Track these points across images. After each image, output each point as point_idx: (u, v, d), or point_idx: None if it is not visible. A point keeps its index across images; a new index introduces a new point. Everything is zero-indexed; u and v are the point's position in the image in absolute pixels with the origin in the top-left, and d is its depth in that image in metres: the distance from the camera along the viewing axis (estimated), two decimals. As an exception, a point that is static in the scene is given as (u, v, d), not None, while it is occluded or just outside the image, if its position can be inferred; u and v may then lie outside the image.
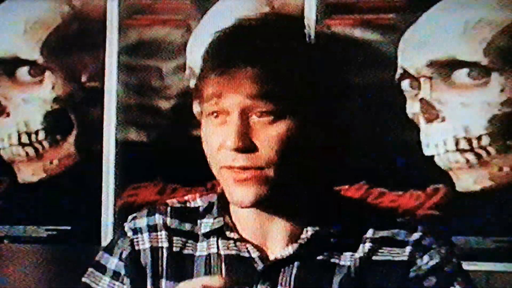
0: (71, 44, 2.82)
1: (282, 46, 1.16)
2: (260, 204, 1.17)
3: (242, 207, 1.18)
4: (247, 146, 1.15)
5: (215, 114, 1.17)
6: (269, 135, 1.15)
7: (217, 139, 1.17)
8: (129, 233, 1.27)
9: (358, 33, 2.57)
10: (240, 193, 1.16)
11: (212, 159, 1.19)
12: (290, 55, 1.16)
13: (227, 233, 1.23)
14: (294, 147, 1.16)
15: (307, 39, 1.20)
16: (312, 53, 1.19)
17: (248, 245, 1.21)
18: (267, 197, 1.16)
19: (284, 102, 1.15)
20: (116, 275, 1.26)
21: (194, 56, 2.70)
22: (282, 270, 1.20)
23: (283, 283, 1.19)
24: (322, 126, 1.19)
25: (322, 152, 1.20)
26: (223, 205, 1.25)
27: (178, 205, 1.29)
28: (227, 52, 1.16)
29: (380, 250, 1.21)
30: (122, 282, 1.25)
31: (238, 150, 1.15)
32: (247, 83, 1.14)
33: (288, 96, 1.15)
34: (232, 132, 1.15)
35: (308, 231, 1.20)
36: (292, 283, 1.19)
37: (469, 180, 2.48)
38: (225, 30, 1.20)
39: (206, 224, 1.25)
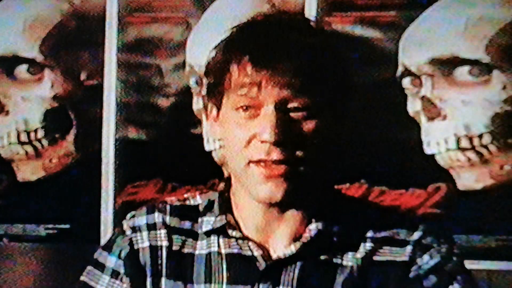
0: (70, 42, 2.82)
1: (310, 42, 1.18)
2: (285, 201, 1.17)
3: (268, 203, 1.18)
4: (284, 139, 1.14)
5: (245, 107, 1.17)
6: (303, 130, 1.16)
7: (246, 133, 1.17)
8: (128, 232, 1.27)
9: (358, 30, 2.56)
10: (270, 189, 1.16)
11: (236, 154, 1.18)
12: (315, 51, 1.18)
13: (229, 231, 1.22)
14: (322, 144, 1.17)
15: (320, 36, 1.21)
16: (324, 49, 1.20)
17: (250, 243, 1.21)
18: (294, 195, 1.16)
19: (316, 99, 1.16)
20: (115, 274, 1.26)
21: (194, 53, 2.70)
22: (285, 269, 1.20)
23: (285, 283, 1.19)
24: (340, 124, 1.20)
25: (327, 146, 1.20)
26: (225, 203, 1.24)
27: (178, 203, 1.28)
28: (265, 45, 1.16)
29: (381, 250, 1.20)
30: (121, 281, 1.25)
31: (275, 143, 1.14)
32: (286, 77, 1.14)
33: (319, 93, 1.16)
34: (269, 124, 1.15)
35: (311, 230, 1.20)
36: (294, 282, 1.19)
37: (470, 179, 2.47)
38: (249, 24, 1.20)
39: (207, 222, 1.25)
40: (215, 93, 1.21)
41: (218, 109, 1.22)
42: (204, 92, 1.25)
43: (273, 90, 1.15)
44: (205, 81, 1.24)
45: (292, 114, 1.16)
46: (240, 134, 1.17)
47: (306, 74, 1.16)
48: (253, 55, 1.16)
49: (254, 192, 1.18)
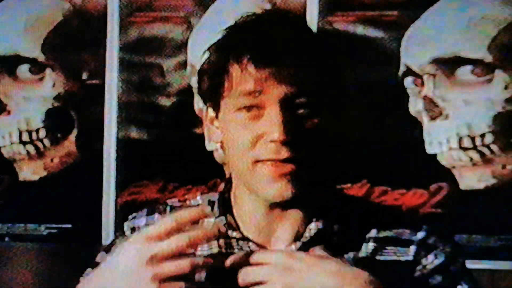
0: (72, 42, 2.82)
1: (310, 41, 1.18)
2: (292, 200, 1.17)
3: (277, 202, 1.17)
4: (292, 138, 1.14)
5: (247, 108, 1.16)
6: (306, 127, 1.16)
7: (252, 134, 1.16)
8: (128, 232, 1.27)
9: (360, 30, 2.55)
10: (279, 188, 1.16)
11: (242, 155, 1.17)
12: (316, 50, 1.18)
13: (229, 232, 1.22)
14: (325, 142, 1.17)
15: (318, 35, 1.22)
16: (325, 49, 1.20)
17: (251, 244, 1.21)
18: (298, 193, 1.16)
19: (318, 96, 1.16)
20: None
21: (195, 53, 2.70)
22: None
23: None
24: (340, 122, 1.20)
25: (328, 146, 1.20)
26: (225, 204, 1.24)
27: (178, 204, 1.28)
28: (264, 43, 1.16)
29: (384, 250, 1.20)
30: None
31: (284, 142, 1.14)
32: (289, 74, 1.14)
33: (320, 90, 1.16)
34: (276, 124, 1.14)
35: (311, 230, 1.20)
36: None
37: (472, 178, 2.47)
38: (245, 23, 1.20)
39: (208, 223, 1.24)
40: (212, 96, 1.20)
41: (216, 111, 1.21)
42: (198, 96, 1.24)
43: (277, 88, 1.15)
44: (195, 84, 1.23)
45: (296, 111, 1.16)
46: (245, 135, 1.17)
47: (307, 71, 1.15)
48: (254, 53, 1.16)
49: (263, 191, 1.18)
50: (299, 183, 1.16)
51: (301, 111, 1.16)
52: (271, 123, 1.15)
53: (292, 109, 1.16)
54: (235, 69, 1.17)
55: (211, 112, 1.23)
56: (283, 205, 1.19)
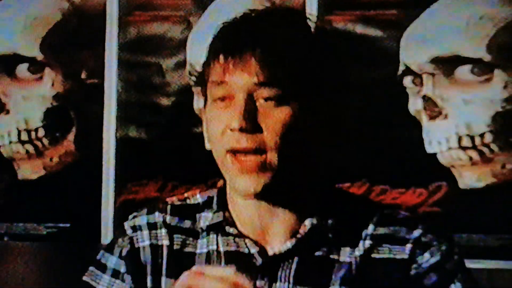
0: (71, 41, 2.81)
1: (286, 34, 1.18)
2: (263, 194, 1.17)
3: (246, 197, 1.18)
4: (252, 126, 1.15)
5: (220, 98, 1.17)
6: (273, 118, 1.16)
7: (222, 123, 1.17)
8: (129, 231, 1.27)
9: (359, 29, 2.55)
10: (244, 182, 1.16)
11: (216, 145, 1.19)
12: (293, 43, 1.18)
13: (227, 228, 1.22)
14: (296, 133, 1.17)
15: (310, 31, 1.21)
16: (314, 45, 1.20)
17: (247, 241, 1.21)
18: (270, 187, 1.16)
19: (287, 88, 1.16)
20: (115, 273, 1.26)
21: (195, 52, 2.70)
22: (281, 265, 1.20)
23: (282, 279, 1.19)
24: (322, 116, 1.19)
25: (322, 144, 1.19)
26: (223, 200, 1.24)
27: (178, 202, 1.29)
28: (235, 37, 1.17)
29: (380, 248, 1.20)
30: (122, 280, 1.25)
31: (243, 130, 1.15)
32: (254, 66, 1.15)
33: (291, 82, 1.16)
34: (237, 112, 1.15)
35: (306, 225, 1.20)
36: (291, 278, 1.19)
37: (471, 177, 2.47)
38: (232, 19, 1.21)
39: (205, 218, 1.25)
40: (201, 86, 1.22)
41: (204, 103, 1.23)
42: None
43: (242, 78, 1.16)
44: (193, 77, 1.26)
45: (264, 102, 1.16)
46: (216, 124, 1.18)
47: (277, 63, 1.16)
48: (223, 45, 1.17)
49: (232, 186, 1.19)
50: (267, 177, 1.16)
51: (269, 102, 1.16)
52: (233, 111, 1.16)
53: (258, 98, 1.16)
54: (211, 61, 1.19)
55: (201, 104, 1.25)
56: (267, 200, 1.19)
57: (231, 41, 1.17)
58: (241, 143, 1.15)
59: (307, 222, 1.20)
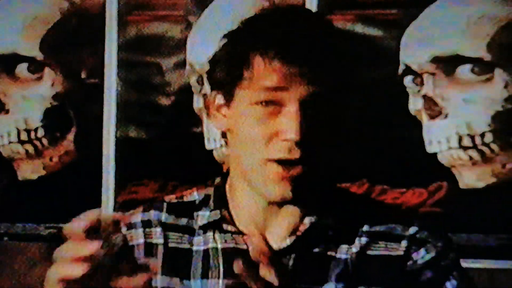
0: (70, 41, 2.81)
1: (332, 44, 1.16)
2: (295, 199, 1.17)
3: (277, 201, 1.17)
4: (306, 139, 1.14)
5: (265, 102, 1.15)
6: (318, 129, 1.14)
7: (268, 130, 1.15)
8: (123, 229, 1.27)
9: (359, 28, 2.55)
10: (282, 189, 1.15)
11: (255, 150, 1.16)
12: (337, 53, 1.16)
13: (224, 225, 1.22)
14: (328, 143, 1.17)
15: (342, 36, 1.21)
16: (345, 50, 1.19)
17: (245, 237, 1.20)
18: (301, 193, 1.16)
19: (335, 98, 1.15)
20: None
21: (194, 52, 2.69)
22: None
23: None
24: (342, 121, 1.20)
25: (327, 144, 1.20)
26: (220, 198, 1.24)
27: (175, 200, 1.28)
28: (295, 44, 1.14)
29: (376, 245, 1.20)
30: None
31: (297, 142, 1.13)
32: (314, 76, 1.13)
33: (338, 93, 1.15)
34: (294, 123, 1.13)
35: (306, 223, 1.20)
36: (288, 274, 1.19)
37: (472, 177, 2.46)
38: (272, 15, 1.18)
39: (203, 216, 1.25)
40: (227, 84, 1.18)
41: (228, 100, 1.19)
42: (207, 87, 1.24)
43: (300, 87, 1.13)
44: (206, 73, 1.23)
45: (314, 112, 1.15)
46: (260, 130, 1.15)
47: (329, 71, 1.15)
48: (281, 48, 1.14)
49: (266, 190, 1.17)
50: (302, 184, 1.16)
51: (317, 112, 1.15)
52: (289, 122, 1.13)
53: (310, 110, 1.14)
54: (258, 62, 1.15)
55: (219, 99, 1.20)
56: (282, 202, 1.19)
57: (288, 46, 1.13)
58: (293, 154, 1.14)
59: (307, 220, 1.20)
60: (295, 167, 1.15)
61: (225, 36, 1.20)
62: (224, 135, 1.23)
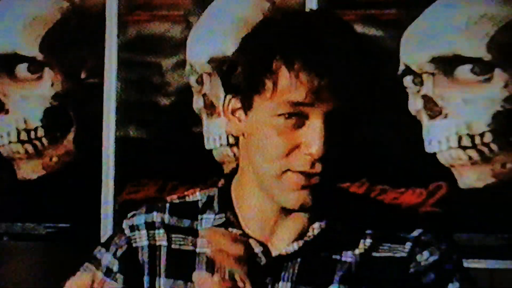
0: (70, 41, 2.81)
1: (355, 55, 1.12)
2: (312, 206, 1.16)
3: (295, 210, 1.16)
4: (328, 154, 1.11)
5: (287, 115, 1.12)
6: (341, 143, 1.13)
7: (289, 142, 1.12)
8: (127, 231, 1.26)
9: (359, 28, 2.55)
10: (299, 197, 1.14)
11: (272, 160, 1.14)
12: (359, 64, 1.13)
13: (230, 229, 1.21)
14: (344, 150, 1.15)
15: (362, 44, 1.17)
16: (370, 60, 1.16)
17: (251, 240, 1.20)
18: (314, 198, 1.15)
19: (359, 112, 1.13)
20: (108, 272, 1.25)
21: (194, 52, 2.69)
22: (285, 265, 1.19)
23: (285, 279, 1.19)
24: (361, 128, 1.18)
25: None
26: (225, 200, 1.23)
27: (177, 201, 1.27)
28: (323, 54, 1.10)
29: (380, 246, 1.20)
30: (113, 279, 1.24)
31: (320, 157, 1.11)
32: (341, 90, 1.10)
33: (362, 106, 1.13)
34: (317, 138, 1.10)
35: (315, 229, 1.19)
36: (294, 279, 1.18)
37: (472, 177, 2.47)
38: (294, 20, 1.14)
39: (207, 220, 1.24)
40: (245, 90, 1.15)
41: (246, 106, 1.15)
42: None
43: (327, 101, 1.10)
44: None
45: (337, 126, 1.12)
46: (281, 142, 1.12)
47: (356, 84, 1.11)
48: (308, 60, 1.10)
49: (283, 198, 1.15)
50: (319, 192, 1.15)
51: (342, 126, 1.12)
52: (312, 136, 1.11)
53: (334, 124, 1.12)
54: (283, 72, 1.11)
55: (235, 103, 1.17)
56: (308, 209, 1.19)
57: (317, 58, 1.09)
58: (316, 168, 1.12)
59: (316, 225, 1.19)
60: (315, 177, 1.13)
61: (245, 37, 1.16)
62: (239, 139, 1.22)
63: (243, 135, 1.18)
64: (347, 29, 1.16)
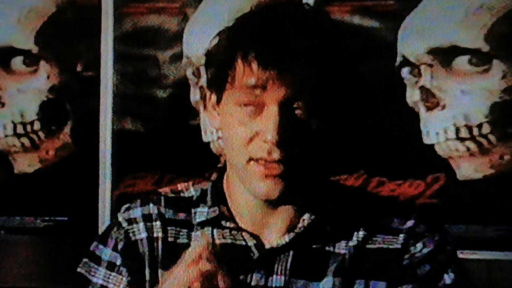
0: (66, 33, 2.80)
1: (321, 42, 1.15)
2: (282, 197, 1.17)
3: (265, 201, 1.17)
4: (286, 140, 1.13)
5: (245, 104, 1.15)
6: (304, 129, 1.14)
7: (249, 131, 1.15)
8: (124, 224, 1.27)
9: (357, 20, 2.54)
10: (267, 188, 1.16)
11: (238, 150, 1.17)
12: (326, 51, 1.15)
13: (223, 222, 1.22)
14: (322, 141, 1.16)
15: (335, 31, 1.19)
16: (337, 45, 1.17)
17: (244, 233, 1.21)
18: (289, 192, 1.16)
19: (321, 97, 1.14)
20: (111, 266, 1.26)
21: (191, 44, 2.69)
22: (278, 258, 1.19)
23: (279, 271, 1.19)
24: (342, 123, 1.19)
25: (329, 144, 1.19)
26: (217, 194, 1.24)
27: (172, 194, 1.28)
28: (271, 42, 1.13)
29: (374, 238, 1.20)
30: (118, 272, 1.25)
31: (277, 143, 1.13)
32: (290, 79, 1.13)
33: (325, 92, 1.14)
34: (272, 125, 1.13)
35: (305, 220, 1.20)
36: (287, 271, 1.18)
37: (469, 169, 2.46)
38: (255, 14, 1.17)
39: (201, 213, 1.24)
40: (216, 84, 1.19)
41: (219, 99, 1.20)
42: (203, 80, 1.24)
43: (278, 91, 1.13)
44: (203, 69, 1.23)
45: (295, 113, 1.15)
46: (243, 131, 1.16)
47: (313, 73, 1.13)
48: (259, 52, 1.14)
49: (252, 188, 1.18)
50: (288, 183, 1.16)
51: (300, 113, 1.14)
52: (268, 124, 1.14)
53: (291, 111, 1.14)
54: (239, 65, 1.15)
55: (213, 98, 1.22)
56: (277, 201, 1.19)
57: (267, 49, 1.13)
58: (272, 156, 1.14)
59: (306, 217, 1.20)
60: (276, 167, 1.15)
61: (218, 34, 1.20)
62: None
63: (220, 128, 1.21)
64: (314, 17, 1.18)
